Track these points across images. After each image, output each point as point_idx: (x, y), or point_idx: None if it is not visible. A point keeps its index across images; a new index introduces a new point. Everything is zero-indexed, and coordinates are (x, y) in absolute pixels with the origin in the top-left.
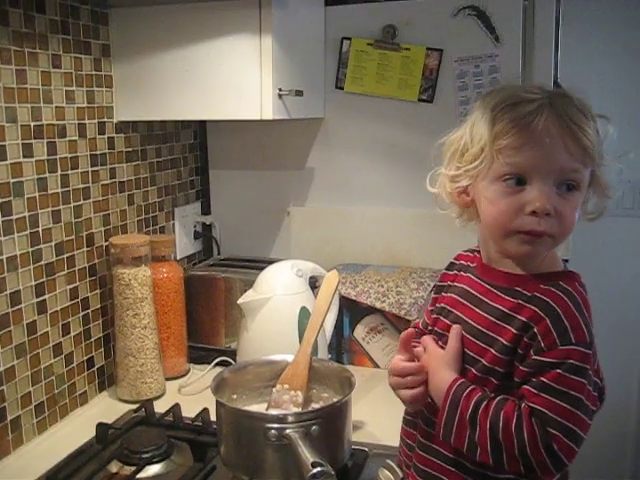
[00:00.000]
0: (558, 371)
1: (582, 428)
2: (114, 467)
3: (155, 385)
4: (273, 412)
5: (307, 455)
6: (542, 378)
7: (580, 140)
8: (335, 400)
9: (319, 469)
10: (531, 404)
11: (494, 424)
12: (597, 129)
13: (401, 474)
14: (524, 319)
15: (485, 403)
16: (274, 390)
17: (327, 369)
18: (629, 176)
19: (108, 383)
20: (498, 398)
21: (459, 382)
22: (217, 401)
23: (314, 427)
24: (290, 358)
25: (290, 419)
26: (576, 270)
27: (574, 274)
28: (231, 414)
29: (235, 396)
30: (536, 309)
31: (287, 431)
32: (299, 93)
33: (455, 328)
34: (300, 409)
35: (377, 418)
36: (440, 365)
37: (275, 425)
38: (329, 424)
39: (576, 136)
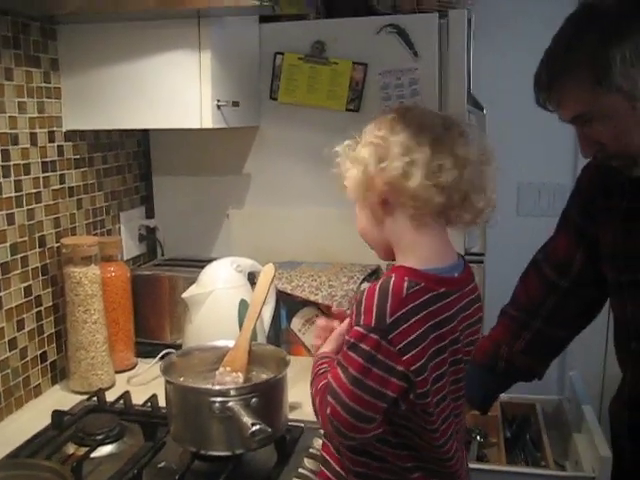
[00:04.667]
0: (345, 348)
1: (359, 404)
2: (70, 449)
3: (106, 377)
4: (216, 387)
5: (247, 419)
6: (343, 353)
7: None
8: (274, 375)
9: (258, 427)
10: (330, 374)
11: (315, 387)
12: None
13: None
14: None
15: (323, 371)
16: (217, 372)
17: (264, 352)
18: (544, 179)
19: (60, 377)
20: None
21: (321, 355)
22: (166, 380)
23: (254, 399)
24: (231, 344)
25: (232, 393)
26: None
27: (407, 270)
28: (179, 391)
29: (182, 379)
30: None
31: (229, 404)
32: (236, 104)
33: None
34: None
35: None
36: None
37: (218, 399)
38: (267, 397)
39: None
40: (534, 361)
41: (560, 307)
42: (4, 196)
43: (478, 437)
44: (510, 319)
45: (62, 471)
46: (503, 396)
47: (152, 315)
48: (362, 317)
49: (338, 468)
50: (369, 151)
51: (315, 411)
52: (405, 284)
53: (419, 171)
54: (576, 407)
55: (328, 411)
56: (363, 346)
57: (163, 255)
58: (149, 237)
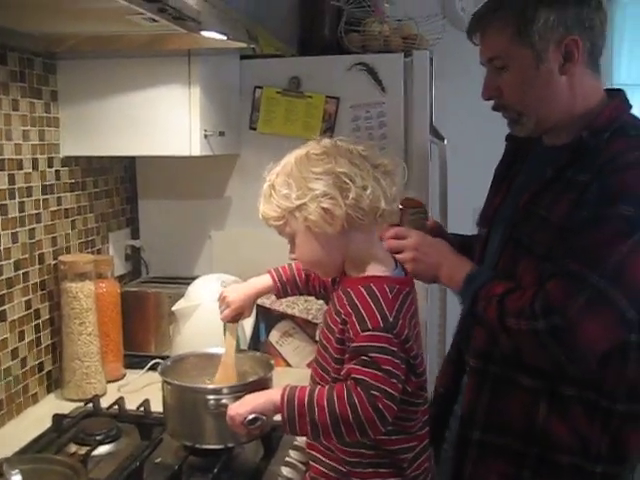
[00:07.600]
0: (363, 352)
1: (395, 390)
2: (72, 448)
3: (99, 385)
4: (210, 386)
5: None
6: (362, 357)
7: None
8: (262, 375)
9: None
10: (356, 376)
11: (330, 400)
12: (281, 194)
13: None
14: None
15: (317, 389)
16: None
17: (251, 359)
18: None
19: (55, 386)
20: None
21: (288, 387)
22: (164, 381)
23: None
24: (220, 351)
25: (225, 391)
26: None
27: (380, 278)
28: (177, 390)
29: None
30: (347, 305)
31: (223, 400)
32: (222, 133)
33: None
34: None
35: None
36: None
37: (213, 396)
38: None
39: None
40: None
41: None
42: (10, 216)
43: None
44: None
45: (73, 464)
46: None
47: (139, 329)
48: (368, 322)
49: (331, 462)
50: (325, 185)
51: (328, 425)
52: (387, 288)
53: (374, 191)
54: None
55: (380, 405)
56: (381, 344)
57: (148, 274)
58: (134, 256)
